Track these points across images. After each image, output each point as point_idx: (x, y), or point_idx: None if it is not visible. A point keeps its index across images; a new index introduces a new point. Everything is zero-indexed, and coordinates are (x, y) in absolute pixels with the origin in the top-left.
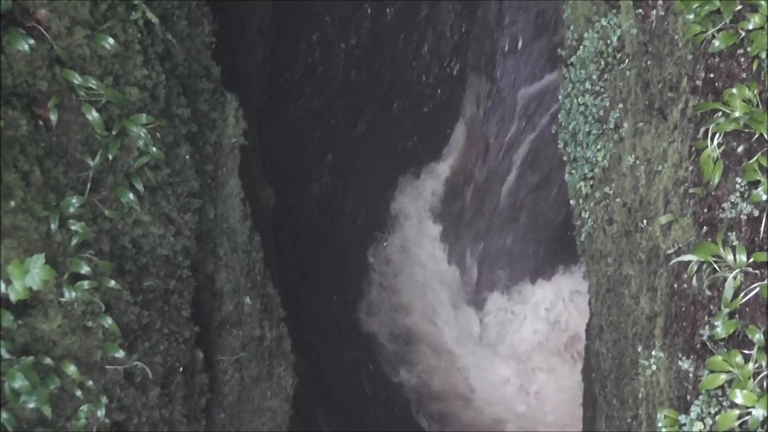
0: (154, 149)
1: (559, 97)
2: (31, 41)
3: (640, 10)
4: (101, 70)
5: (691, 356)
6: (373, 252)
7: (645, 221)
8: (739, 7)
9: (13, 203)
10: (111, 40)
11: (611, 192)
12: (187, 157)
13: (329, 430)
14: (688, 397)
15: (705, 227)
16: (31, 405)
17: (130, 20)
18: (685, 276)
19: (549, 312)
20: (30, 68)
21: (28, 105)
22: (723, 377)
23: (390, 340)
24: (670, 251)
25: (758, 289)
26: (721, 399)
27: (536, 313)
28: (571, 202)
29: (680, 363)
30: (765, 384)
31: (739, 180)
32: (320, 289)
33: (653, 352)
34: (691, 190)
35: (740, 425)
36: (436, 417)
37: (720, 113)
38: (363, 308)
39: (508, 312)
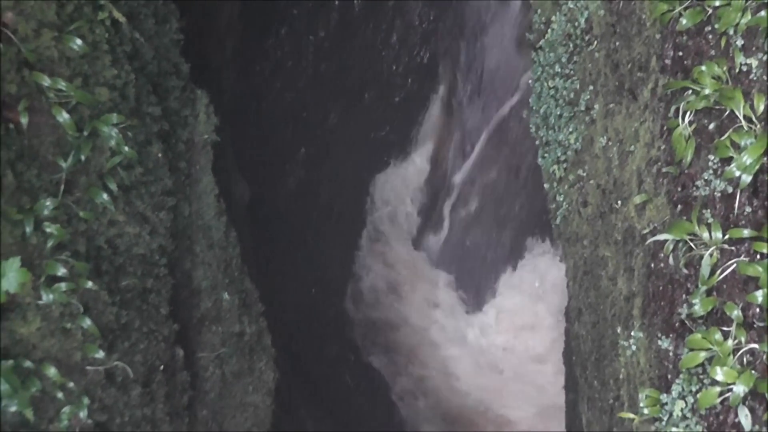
0: (126, 149)
1: (529, 81)
2: None
3: None
4: (70, 71)
5: (671, 335)
6: (353, 242)
7: (619, 202)
8: None
9: None
10: (79, 41)
11: (585, 174)
12: (160, 155)
13: (313, 424)
14: (669, 376)
15: (679, 206)
16: (13, 408)
17: (97, 20)
18: (662, 255)
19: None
20: None
21: None
22: (703, 355)
23: (372, 332)
24: (645, 231)
25: (735, 265)
26: (701, 377)
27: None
28: (545, 185)
29: (660, 342)
30: (745, 360)
31: (711, 157)
32: (299, 283)
33: (632, 333)
34: (664, 169)
35: (722, 402)
36: (420, 406)
37: (690, 91)
38: (344, 300)
39: (494, 293)
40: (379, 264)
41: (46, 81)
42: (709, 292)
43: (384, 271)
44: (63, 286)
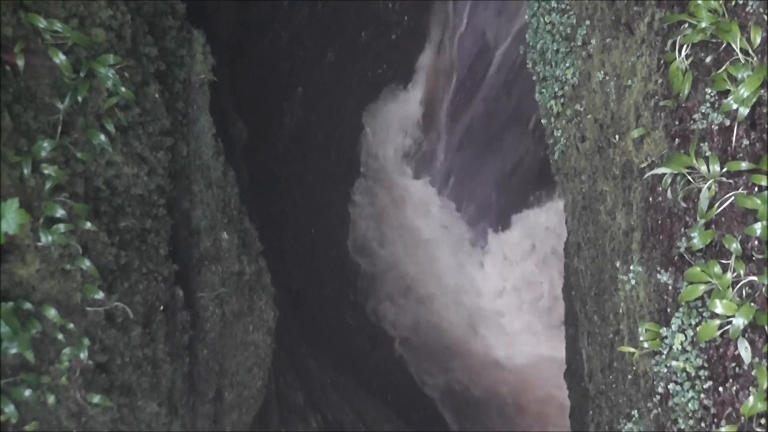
0: (123, 89)
1: (526, 16)
2: None
3: None
4: (66, 13)
5: (670, 269)
6: (351, 179)
7: (617, 136)
8: None
9: None
10: None
11: (582, 109)
12: (157, 95)
13: (313, 362)
14: (669, 310)
15: (677, 139)
16: (13, 350)
17: None
18: (660, 189)
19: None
20: None
21: None
22: (702, 288)
23: (372, 271)
24: (643, 165)
25: (733, 198)
26: (701, 310)
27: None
28: (543, 121)
29: (659, 276)
30: (744, 293)
31: (708, 90)
32: (298, 222)
33: (631, 267)
34: (661, 103)
35: (721, 335)
36: (416, 348)
37: (687, 24)
38: (343, 238)
39: (494, 234)
40: (376, 198)
41: (42, 23)
42: (707, 225)
43: (381, 204)
44: (62, 227)
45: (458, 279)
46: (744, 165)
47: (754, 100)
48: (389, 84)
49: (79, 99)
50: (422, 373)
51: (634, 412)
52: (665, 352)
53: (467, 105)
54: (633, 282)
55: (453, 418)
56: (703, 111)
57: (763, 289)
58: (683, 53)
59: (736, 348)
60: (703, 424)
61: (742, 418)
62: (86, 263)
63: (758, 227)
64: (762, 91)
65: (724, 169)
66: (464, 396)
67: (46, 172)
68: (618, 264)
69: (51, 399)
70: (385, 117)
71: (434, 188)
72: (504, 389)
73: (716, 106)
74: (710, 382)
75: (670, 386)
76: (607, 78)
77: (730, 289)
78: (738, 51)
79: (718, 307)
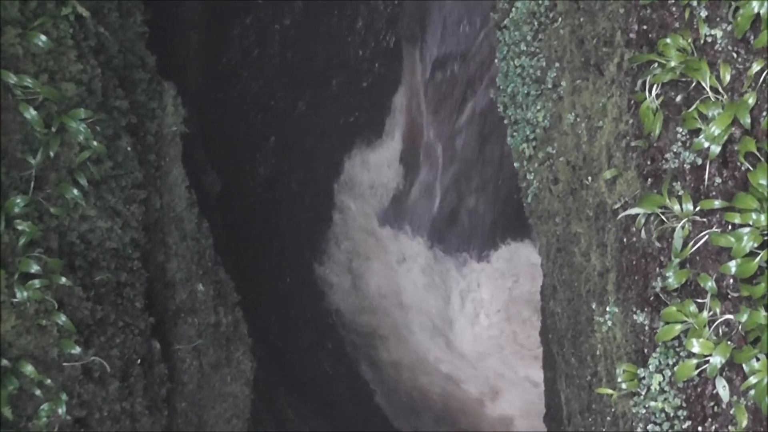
0: (94, 143)
1: (495, 60)
2: None
3: None
4: (36, 68)
5: (646, 309)
6: (327, 230)
7: (590, 178)
8: None
9: None
10: (43, 37)
11: (554, 151)
12: (129, 148)
13: (292, 412)
14: (646, 350)
15: (650, 179)
16: None
17: (61, 16)
18: (634, 229)
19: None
20: None
21: None
22: (678, 327)
23: (349, 318)
24: (616, 206)
25: (707, 236)
26: (678, 349)
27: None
28: (515, 164)
29: (635, 317)
30: (721, 331)
31: (680, 129)
32: (274, 271)
33: (607, 308)
34: (633, 143)
35: (699, 374)
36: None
37: (656, 64)
38: (319, 288)
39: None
40: (352, 244)
41: (11, 78)
42: (682, 265)
43: (356, 250)
44: (37, 282)
45: (439, 321)
46: (717, 203)
47: (726, 137)
48: (362, 131)
49: (51, 154)
50: (400, 418)
51: None
52: (643, 393)
53: (449, 142)
54: (609, 323)
55: None
56: (675, 150)
57: (740, 327)
58: (653, 93)
59: (714, 387)
60: None
61: None
62: (62, 318)
63: (733, 265)
64: (733, 128)
65: (698, 208)
66: None
67: (19, 227)
68: (594, 305)
69: None
70: (358, 163)
71: (412, 234)
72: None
73: (688, 144)
74: (689, 422)
75: (649, 427)
76: (578, 119)
77: (707, 327)
78: (708, 89)
79: (695, 346)
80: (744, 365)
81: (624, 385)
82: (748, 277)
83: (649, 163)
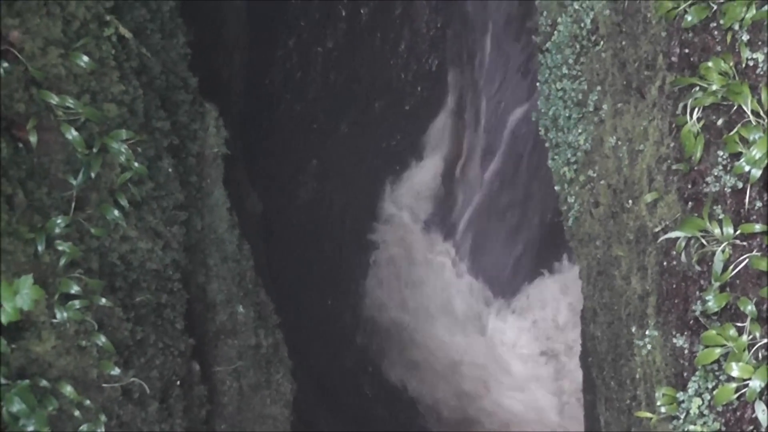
0: (136, 164)
1: (537, 83)
2: (6, 64)
3: None
4: (78, 89)
5: (685, 332)
6: (368, 252)
7: (630, 201)
8: None
9: None
10: (86, 58)
11: (595, 175)
12: (170, 169)
13: None
14: (685, 374)
15: (690, 202)
16: (30, 428)
17: (103, 37)
18: (674, 253)
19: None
20: (7, 91)
21: (8, 128)
22: (718, 351)
23: (388, 340)
24: (657, 229)
25: (747, 260)
26: (717, 373)
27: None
28: (556, 187)
29: (675, 340)
30: (760, 355)
31: (720, 153)
32: (315, 293)
33: (647, 332)
34: (674, 167)
35: (738, 398)
36: (439, 413)
37: (697, 88)
38: (360, 309)
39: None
40: (393, 268)
41: (54, 99)
42: (722, 288)
43: (398, 274)
44: (77, 303)
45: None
46: (758, 227)
47: (767, 161)
48: (404, 154)
49: (92, 174)
50: None
51: None
52: (682, 417)
53: (487, 168)
54: (649, 346)
55: None
56: (716, 173)
57: None
58: (695, 116)
59: (753, 411)
60: None
61: None
62: (102, 339)
63: None
64: None
65: (738, 232)
66: None
67: (60, 248)
68: (634, 329)
69: None
70: (400, 186)
71: (454, 256)
72: None
73: (728, 168)
74: None
75: None
76: (620, 143)
77: (746, 351)
78: (749, 113)
79: (735, 369)
80: None
81: (663, 409)
82: None
83: (689, 186)
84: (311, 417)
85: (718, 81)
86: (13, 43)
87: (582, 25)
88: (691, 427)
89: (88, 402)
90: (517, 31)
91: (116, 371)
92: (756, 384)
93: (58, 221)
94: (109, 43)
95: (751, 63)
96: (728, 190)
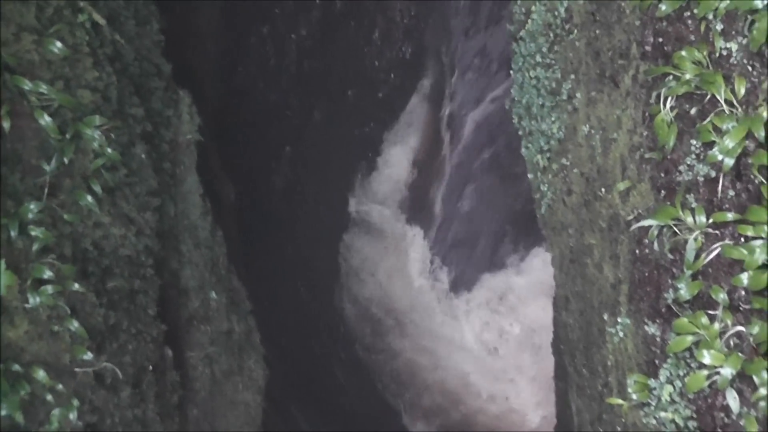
0: (109, 150)
1: (511, 72)
2: None
3: None
4: (51, 75)
5: (657, 320)
6: (339, 238)
7: (603, 189)
8: None
9: None
10: (59, 44)
11: (568, 163)
12: (144, 156)
13: (304, 420)
14: (657, 361)
15: (663, 191)
16: (3, 412)
17: (77, 23)
18: (647, 241)
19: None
20: None
21: None
22: (690, 339)
23: (362, 327)
24: (630, 217)
25: (719, 249)
26: (689, 361)
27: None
28: (529, 175)
29: (647, 328)
30: (732, 343)
31: (694, 142)
32: (287, 280)
33: (619, 319)
34: (647, 155)
35: (710, 385)
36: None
37: (671, 77)
38: (332, 296)
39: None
40: (365, 255)
41: (27, 85)
42: (694, 277)
43: (371, 262)
44: (50, 288)
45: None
46: (730, 216)
47: (739, 150)
48: (377, 142)
49: (66, 160)
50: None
51: None
52: (654, 404)
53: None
54: (621, 334)
55: None
56: (689, 162)
57: (751, 339)
58: (668, 105)
59: (724, 398)
60: None
61: None
62: (75, 324)
63: (745, 277)
64: (747, 141)
65: (711, 220)
66: None
67: (33, 233)
68: (606, 316)
69: None
70: (374, 174)
71: (424, 240)
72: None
73: (702, 157)
74: None
75: None
76: (593, 131)
77: (718, 339)
78: (723, 102)
79: (706, 357)
80: (755, 377)
81: (635, 396)
82: (760, 290)
83: (662, 175)
84: (283, 403)
85: (691, 70)
86: None
87: (556, 13)
88: (663, 414)
89: (60, 387)
90: (493, 18)
91: (89, 356)
92: (727, 371)
93: (31, 207)
94: (83, 29)
95: (724, 53)
96: (701, 179)
